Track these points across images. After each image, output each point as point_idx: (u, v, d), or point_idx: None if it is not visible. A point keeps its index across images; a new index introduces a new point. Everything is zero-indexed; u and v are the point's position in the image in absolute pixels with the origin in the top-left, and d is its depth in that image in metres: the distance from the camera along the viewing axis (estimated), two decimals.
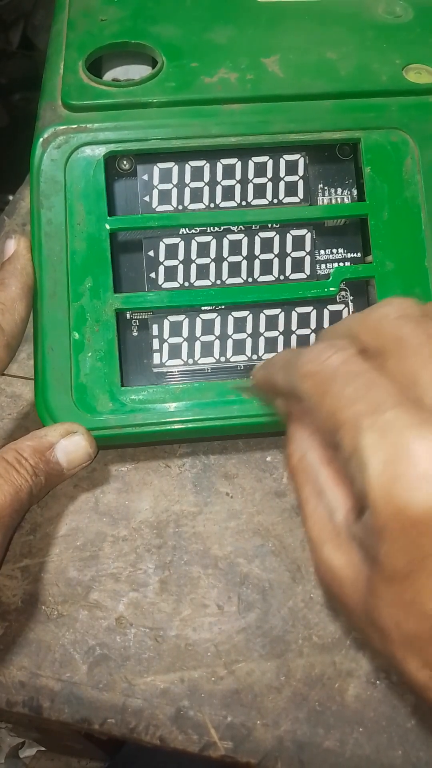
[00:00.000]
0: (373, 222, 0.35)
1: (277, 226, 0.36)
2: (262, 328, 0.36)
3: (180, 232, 0.36)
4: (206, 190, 0.36)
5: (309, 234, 0.36)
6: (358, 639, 0.31)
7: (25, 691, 0.31)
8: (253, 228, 0.36)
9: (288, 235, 0.36)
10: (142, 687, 0.31)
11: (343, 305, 0.36)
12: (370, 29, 0.39)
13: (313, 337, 0.36)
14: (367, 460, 0.19)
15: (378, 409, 0.20)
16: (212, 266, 0.36)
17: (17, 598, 0.32)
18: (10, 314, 0.32)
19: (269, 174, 0.36)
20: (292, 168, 0.36)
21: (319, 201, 0.36)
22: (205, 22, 0.39)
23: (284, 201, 0.36)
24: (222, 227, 0.36)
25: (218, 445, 0.37)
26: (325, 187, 0.37)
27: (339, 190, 0.37)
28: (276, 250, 0.36)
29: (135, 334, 0.35)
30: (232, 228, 0.36)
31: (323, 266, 0.36)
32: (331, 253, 0.36)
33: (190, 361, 0.35)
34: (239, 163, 0.36)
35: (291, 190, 0.36)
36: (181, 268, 0.35)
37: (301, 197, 0.36)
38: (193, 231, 0.36)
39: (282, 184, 0.36)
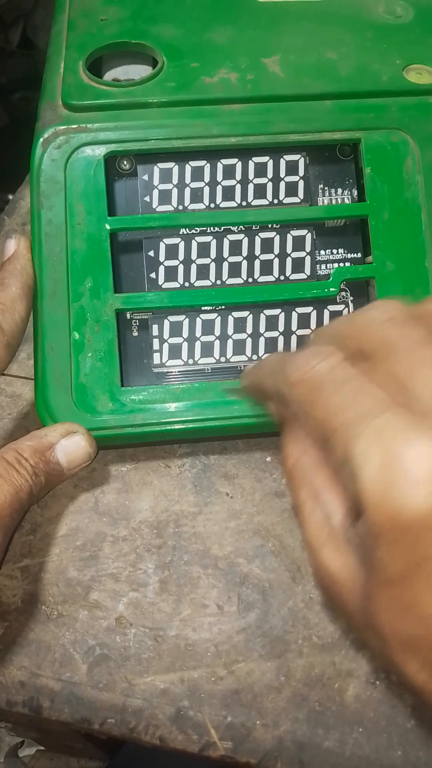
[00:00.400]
0: (373, 222, 0.35)
1: (278, 227, 0.36)
2: (262, 329, 0.36)
3: (180, 233, 0.36)
4: (206, 190, 0.36)
5: (309, 234, 0.36)
6: (358, 640, 0.31)
7: (25, 691, 0.31)
8: (254, 228, 0.36)
9: (288, 235, 0.36)
10: (142, 687, 0.31)
11: (344, 306, 0.36)
12: (370, 29, 0.39)
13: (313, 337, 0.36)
14: (360, 467, 0.19)
15: (368, 416, 0.20)
16: (212, 266, 0.36)
17: (17, 598, 0.32)
18: (10, 314, 0.32)
19: (269, 174, 0.36)
20: (292, 168, 0.36)
21: (319, 201, 0.36)
22: (205, 22, 0.39)
23: (284, 201, 0.36)
24: (222, 227, 0.36)
25: (218, 445, 0.37)
26: (326, 188, 0.37)
27: (339, 191, 0.37)
28: (276, 250, 0.36)
29: (135, 334, 0.35)
30: (232, 228, 0.36)
31: (323, 267, 0.36)
32: (332, 253, 0.36)
33: (191, 361, 0.35)
34: (239, 163, 0.36)
35: (291, 190, 0.36)
36: (181, 268, 0.35)
37: (302, 197, 0.36)
38: (194, 231, 0.36)
39: (282, 185, 0.36)
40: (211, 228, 0.36)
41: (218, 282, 0.36)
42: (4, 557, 0.31)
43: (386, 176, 0.35)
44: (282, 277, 0.36)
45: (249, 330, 0.35)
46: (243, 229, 0.36)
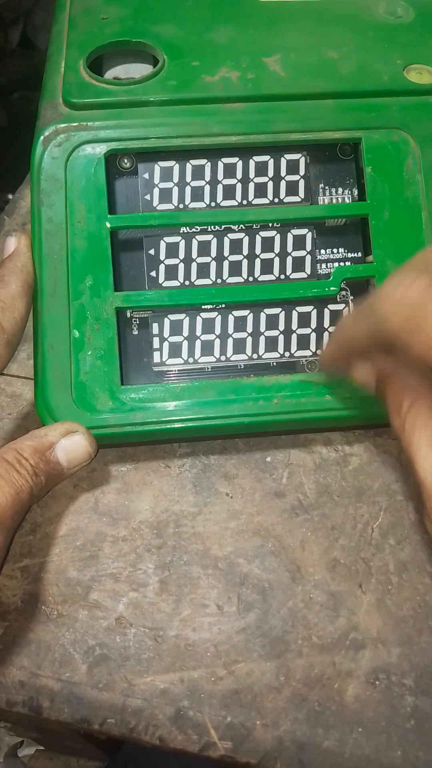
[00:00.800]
0: (373, 222, 0.35)
1: (278, 226, 0.36)
2: (262, 328, 0.35)
3: (181, 231, 0.36)
4: (207, 188, 0.36)
5: (310, 233, 0.36)
6: (358, 639, 0.31)
7: (25, 691, 0.31)
8: (254, 227, 0.36)
9: (289, 234, 0.36)
10: (141, 687, 0.30)
11: (344, 305, 0.36)
12: (371, 29, 0.39)
13: (313, 336, 0.35)
14: None
15: None
16: (213, 265, 0.35)
17: (17, 598, 0.32)
18: (10, 312, 0.31)
19: (270, 173, 0.36)
20: (293, 167, 0.36)
21: (319, 200, 0.36)
22: (206, 21, 0.39)
23: (285, 200, 0.36)
24: (223, 226, 0.36)
25: (218, 445, 0.37)
26: (326, 187, 0.36)
27: (340, 190, 0.37)
28: (277, 249, 0.36)
29: (135, 332, 0.35)
30: (232, 227, 0.36)
31: (324, 266, 0.36)
32: (332, 252, 0.36)
33: (191, 360, 0.35)
34: (240, 162, 0.36)
35: (292, 189, 0.36)
36: (181, 266, 0.35)
37: (302, 197, 0.36)
38: (194, 230, 0.36)
39: (283, 184, 0.36)
40: (212, 227, 0.36)
41: (218, 281, 0.36)
42: (5, 558, 0.30)
43: (387, 176, 0.35)
44: (282, 276, 0.36)
45: (249, 329, 0.35)
46: (243, 227, 0.36)
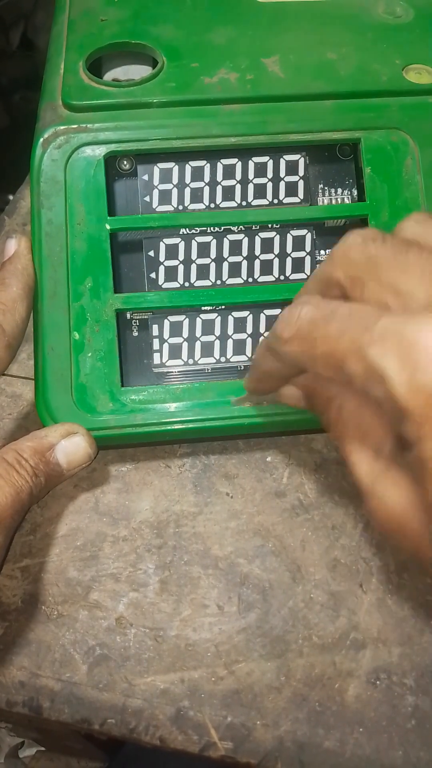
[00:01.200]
0: (373, 222, 0.35)
1: (278, 227, 0.36)
2: (262, 329, 0.36)
3: (180, 233, 0.36)
4: (206, 190, 0.36)
5: (309, 234, 0.36)
6: (358, 639, 0.31)
7: (25, 691, 0.31)
8: (254, 228, 0.36)
9: (288, 235, 0.36)
10: (142, 687, 0.31)
11: None
12: (370, 30, 0.39)
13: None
14: (383, 369, 0.20)
15: (368, 326, 0.20)
16: (212, 266, 0.36)
17: (17, 598, 0.32)
18: (11, 314, 0.32)
19: (269, 174, 0.36)
20: (292, 168, 0.36)
21: (319, 201, 0.36)
22: (205, 23, 0.39)
23: (284, 201, 0.36)
24: (222, 227, 0.36)
25: (218, 445, 0.37)
26: (326, 188, 0.37)
27: (339, 191, 0.37)
28: (276, 250, 0.36)
29: (135, 334, 0.35)
30: (232, 228, 0.36)
31: None
32: None
33: (191, 361, 0.35)
34: (239, 163, 0.36)
35: (291, 190, 0.36)
36: (181, 268, 0.35)
37: (302, 197, 0.36)
38: (194, 231, 0.36)
39: (282, 185, 0.36)
40: (211, 228, 0.36)
41: (218, 282, 0.36)
42: (5, 558, 0.31)
43: (386, 176, 0.35)
44: (282, 277, 0.36)
45: (249, 330, 0.35)
46: (243, 229, 0.36)
